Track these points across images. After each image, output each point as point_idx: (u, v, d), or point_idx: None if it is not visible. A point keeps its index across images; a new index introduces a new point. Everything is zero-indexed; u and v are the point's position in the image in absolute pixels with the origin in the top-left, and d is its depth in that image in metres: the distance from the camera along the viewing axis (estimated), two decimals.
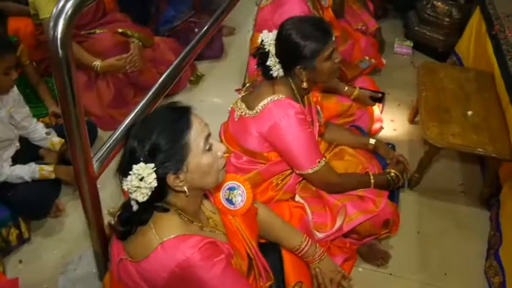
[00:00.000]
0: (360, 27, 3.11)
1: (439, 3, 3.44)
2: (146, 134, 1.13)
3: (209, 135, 1.19)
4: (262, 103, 1.67)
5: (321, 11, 2.50)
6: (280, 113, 1.63)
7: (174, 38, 3.09)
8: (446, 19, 3.41)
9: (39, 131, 2.20)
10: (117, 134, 1.68)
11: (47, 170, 2.05)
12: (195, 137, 1.15)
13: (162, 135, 1.12)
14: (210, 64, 3.26)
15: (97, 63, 2.45)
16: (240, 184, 1.49)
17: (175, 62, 2.22)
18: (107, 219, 1.33)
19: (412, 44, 3.56)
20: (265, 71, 1.72)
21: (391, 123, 2.82)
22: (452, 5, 3.39)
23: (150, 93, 1.98)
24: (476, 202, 2.36)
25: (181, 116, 1.16)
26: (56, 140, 2.22)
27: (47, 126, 2.30)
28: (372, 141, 2.07)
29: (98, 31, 2.56)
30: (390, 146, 2.18)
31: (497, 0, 3.03)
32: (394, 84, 3.12)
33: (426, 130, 2.20)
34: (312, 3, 2.40)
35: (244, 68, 2.77)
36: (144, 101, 1.91)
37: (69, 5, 1.19)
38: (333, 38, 1.65)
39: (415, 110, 2.73)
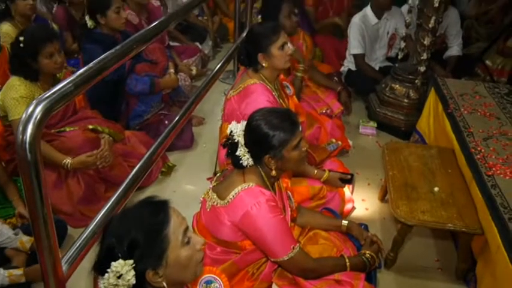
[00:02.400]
0: (324, 111, 3.25)
1: (397, 85, 3.66)
2: (124, 230, 1.12)
3: (187, 228, 1.20)
4: (233, 192, 1.70)
5: (286, 99, 2.62)
6: (252, 201, 1.65)
7: (144, 131, 3.16)
8: (405, 100, 3.61)
9: (4, 234, 2.13)
10: (87, 232, 1.66)
11: (16, 275, 1.97)
12: (174, 230, 1.15)
13: (141, 230, 1.12)
14: (181, 154, 3.30)
15: (67, 161, 2.45)
16: (216, 277, 1.47)
17: (146, 155, 2.26)
18: None
19: (375, 125, 3.72)
20: (235, 160, 1.76)
21: (362, 202, 2.86)
22: (409, 87, 3.61)
23: (122, 187, 1.99)
24: (453, 278, 2.36)
25: (160, 211, 1.16)
26: (25, 239, 2.15)
27: (14, 227, 2.24)
28: (345, 222, 2.09)
29: (68, 129, 2.58)
30: (363, 226, 2.19)
31: (450, 81, 3.25)
32: (362, 164, 3.22)
33: (396, 209, 2.24)
34: (278, 92, 2.52)
35: (215, 157, 2.81)
36: (115, 196, 1.92)
37: (38, 109, 1.23)
38: (300, 128, 1.73)
39: (384, 188, 2.79)
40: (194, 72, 4.20)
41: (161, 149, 2.35)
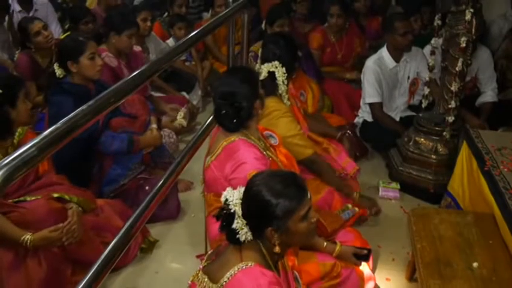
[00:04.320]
0: (338, 174, 3.26)
1: (422, 139, 3.71)
2: None
3: None
4: (228, 274, 1.68)
5: (273, 149, 2.63)
6: (251, 284, 1.64)
7: (120, 199, 3.17)
8: (433, 156, 3.65)
9: None
10: None
11: None
12: None
13: None
14: (164, 227, 3.29)
15: (27, 237, 2.43)
16: None
17: (123, 229, 2.24)
18: None
19: (398, 186, 3.73)
20: (231, 235, 1.76)
21: (386, 282, 2.84)
22: (436, 141, 3.65)
23: (93, 268, 1.95)
24: None
25: None
26: None
27: None
28: None
29: (28, 198, 2.58)
30: None
31: (485, 133, 3.28)
32: (384, 235, 3.21)
33: None
34: (263, 143, 2.53)
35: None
36: (85, 280, 1.88)
37: None
38: (308, 195, 1.73)
39: (412, 264, 2.76)
40: (182, 117, 4.21)
41: (141, 221, 2.34)
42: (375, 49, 4.42)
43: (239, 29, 4.10)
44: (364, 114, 4.28)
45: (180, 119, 4.23)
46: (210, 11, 5.84)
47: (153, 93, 4.41)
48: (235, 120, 2.39)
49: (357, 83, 4.64)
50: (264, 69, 2.99)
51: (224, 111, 2.39)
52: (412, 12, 5.01)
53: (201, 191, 2.70)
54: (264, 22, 4.63)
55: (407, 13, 4.82)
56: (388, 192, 3.71)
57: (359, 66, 4.68)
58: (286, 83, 2.99)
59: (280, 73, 2.96)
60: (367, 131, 4.23)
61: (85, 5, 5.77)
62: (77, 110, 1.66)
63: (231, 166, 2.35)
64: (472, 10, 3.20)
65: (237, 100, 2.37)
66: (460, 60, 3.34)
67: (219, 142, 2.46)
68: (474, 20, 3.26)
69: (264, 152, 2.45)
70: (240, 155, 2.35)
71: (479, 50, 4.17)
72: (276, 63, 2.98)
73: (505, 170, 2.81)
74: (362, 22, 5.72)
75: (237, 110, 2.38)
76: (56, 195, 2.67)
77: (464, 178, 3.18)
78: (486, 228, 2.61)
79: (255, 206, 1.72)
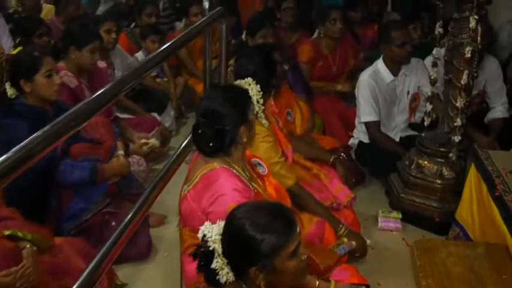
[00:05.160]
0: (329, 204, 3.26)
1: (425, 162, 3.72)
2: None
3: None
4: None
5: (261, 180, 2.63)
6: None
7: (83, 237, 3.12)
8: (438, 181, 3.66)
9: None
10: None
11: None
12: None
13: None
14: (134, 268, 3.27)
15: None
16: None
17: (86, 271, 2.22)
18: None
19: (400, 216, 3.73)
20: (210, 275, 1.76)
21: None
22: (441, 163, 3.67)
23: None
24: None
25: None
26: None
27: None
28: None
29: None
30: None
31: (495, 154, 3.30)
32: (385, 271, 3.21)
33: None
34: (249, 174, 2.53)
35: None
36: None
37: None
38: (298, 229, 1.74)
39: None
40: (154, 144, 4.20)
41: (107, 262, 2.32)
42: (370, 60, 4.45)
43: (217, 41, 4.12)
44: (359, 135, 4.29)
45: (152, 140, 4.22)
46: (184, 21, 5.86)
47: (119, 114, 4.39)
48: (211, 144, 2.36)
49: (351, 100, 4.66)
50: None
51: (201, 131, 2.37)
52: (410, 19, 5.07)
53: (177, 224, 2.68)
54: (244, 32, 4.66)
55: (404, 20, 4.88)
56: (389, 222, 3.71)
57: (353, 81, 4.72)
58: (261, 102, 2.96)
59: (254, 91, 2.89)
60: (364, 154, 4.24)
61: (39, 15, 5.72)
62: (32, 136, 1.65)
63: (208, 198, 2.33)
64: (476, 17, 3.25)
65: (217, 121, 2.35)
66: (466, 72, 3.37)
67: (197, 169, 2.44)
68: (479, 28, 3.29)
69: (249, 183, 2.44)
70: (218, 185, 2.33)
71: (486, 61, 4.22)
72: (249, 80, 2.92)
73: None
74: (356, 31, 5.77)
75: (216, 133, 2.35)
76: (7, 232, 2.63)
77: (474, 205, 3.19)
78: (499, 261, 2.63)
79: (237, 242, 1.72)
